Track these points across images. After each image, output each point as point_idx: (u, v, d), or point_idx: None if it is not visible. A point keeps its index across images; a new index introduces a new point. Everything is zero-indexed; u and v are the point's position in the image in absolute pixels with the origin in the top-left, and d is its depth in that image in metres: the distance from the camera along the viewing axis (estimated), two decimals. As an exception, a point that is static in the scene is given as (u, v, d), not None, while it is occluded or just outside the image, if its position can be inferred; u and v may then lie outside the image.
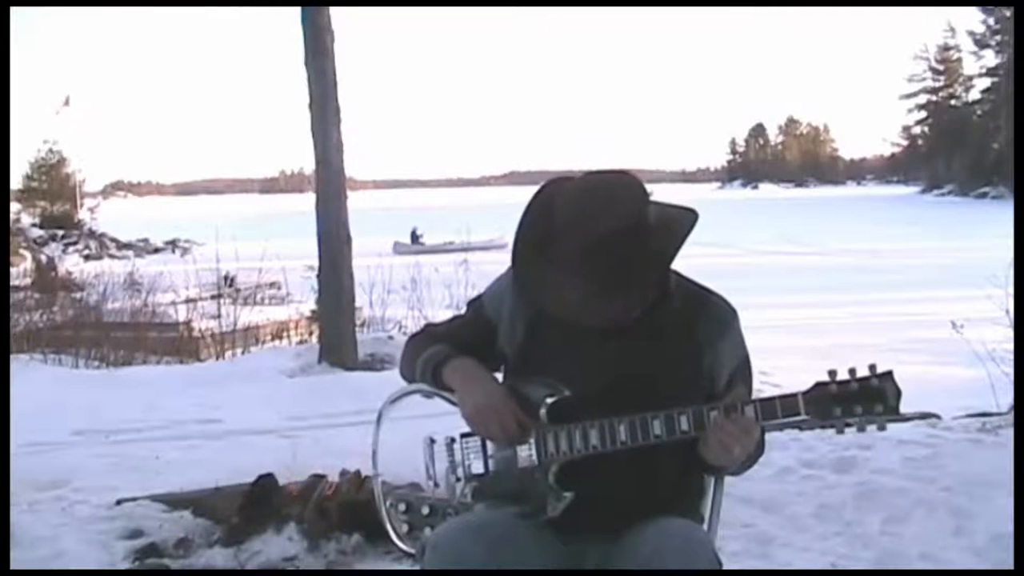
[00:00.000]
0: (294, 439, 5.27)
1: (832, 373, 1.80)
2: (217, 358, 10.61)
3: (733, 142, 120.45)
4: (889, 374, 1.79)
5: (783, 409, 1.81)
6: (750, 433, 1.84)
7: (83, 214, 37.81)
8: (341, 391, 6.75)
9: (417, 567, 1.94)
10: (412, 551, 2.02)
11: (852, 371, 1.80)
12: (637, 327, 1.94)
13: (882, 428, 1.80)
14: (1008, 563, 3.01)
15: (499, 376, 2.05)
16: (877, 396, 1.77)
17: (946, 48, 74.66)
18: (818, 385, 1.81)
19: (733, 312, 2.01)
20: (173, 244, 32.25)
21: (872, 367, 1.79)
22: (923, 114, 76.52)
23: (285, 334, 11.98)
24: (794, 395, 1.81)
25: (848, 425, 1.80)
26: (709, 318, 1.98)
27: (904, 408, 1.81)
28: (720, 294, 2.03)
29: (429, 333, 2.16)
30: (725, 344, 1.98)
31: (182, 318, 12.05)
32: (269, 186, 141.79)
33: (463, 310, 2.17)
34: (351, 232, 8.33)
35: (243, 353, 10.59)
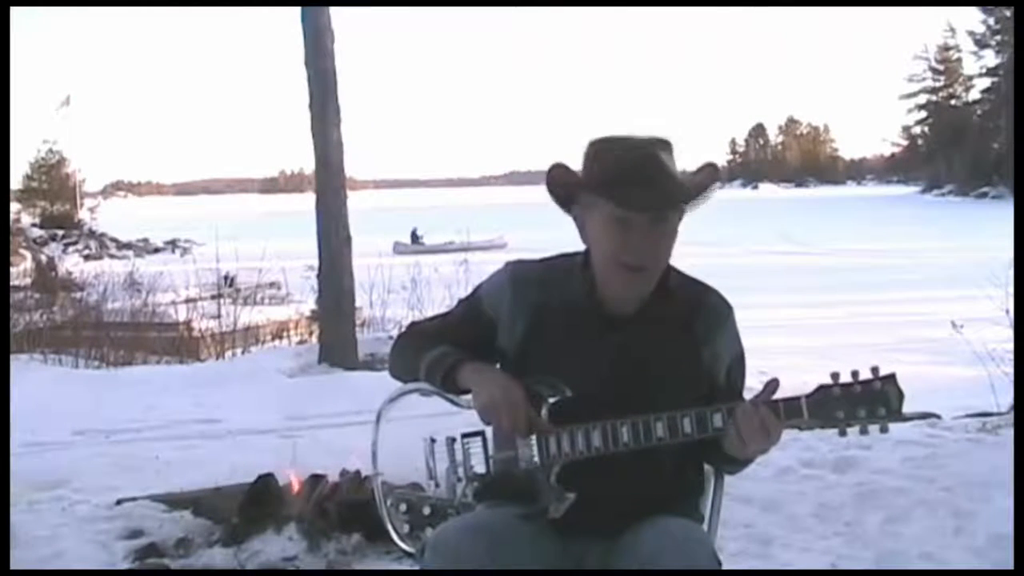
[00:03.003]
0: (294, 439, 5.27)
1: (835, 376, 1.80)
2: (217, 358, 10.61)
3: (733, 142, 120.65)
4: (892, 376, 1.79)
5: (786, 412, 1.81)
6: (767, 430, 1.82)
7: (83, 214, 37.82)
8: (341, 391, 6.75)
9: (417, 567, 1.94)
10: (413, 551, 2.02)
11: (855, 373, 1.80)
12: (637, 323, 1.94)
13: (884, 430, 1.80)
14: (1008, 563, 3.01)
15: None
16: (880, 399, 1.78)
17: (946, 48, 74.65)
18: (821, 388, 1.81)
19: (729, 307, 2.02)
20: (173, 244, 32.25)
21: (875, 369, 1.79)
22: (923, 114, 76.45)
23: (285, 334, 12.00)
24: (797, 398, 1.81)
25: (850, 426, 1.80)
26: (707, 313, 1.98)
27: (904, 408, 1.81)
28: (716, 289, 2.04)
29: (424, 331, 2.12)
30: (722, 338, 1.98)
31: (182, 318, 12.05)
32: (269, 186, 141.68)
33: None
34: (351, 232, 8.34)
35: (243, 353, 10.60)
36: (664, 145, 1.93)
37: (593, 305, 1.95)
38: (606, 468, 1.90)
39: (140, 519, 3.82)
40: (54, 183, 38.59)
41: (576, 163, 1.97)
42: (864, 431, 1.79)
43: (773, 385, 1.84)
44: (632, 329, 1.94)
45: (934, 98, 75.49)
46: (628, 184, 1.86)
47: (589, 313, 1.95)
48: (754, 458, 1.95)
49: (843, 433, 1.81)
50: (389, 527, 2.05)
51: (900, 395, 1.78)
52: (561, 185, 1.97)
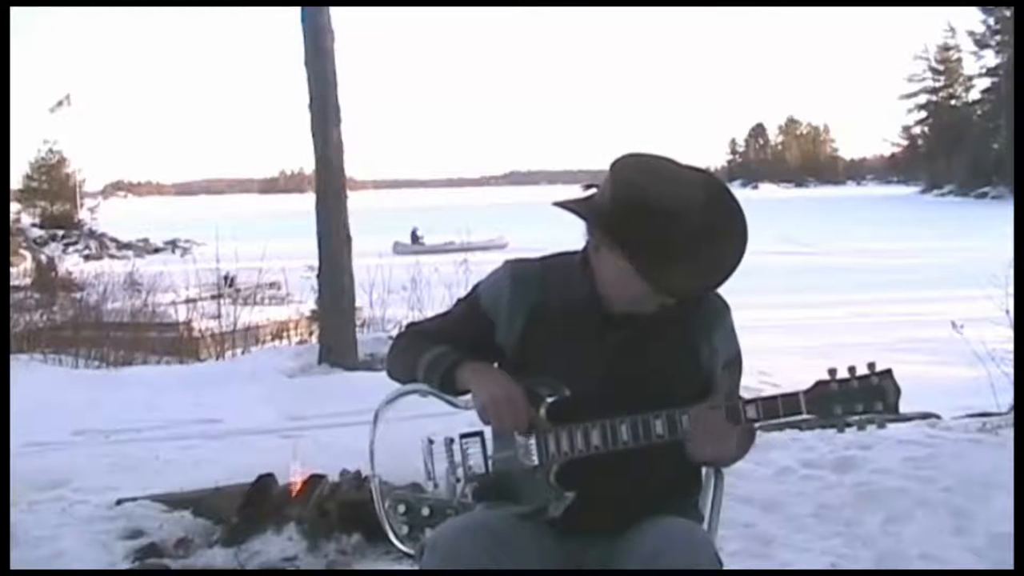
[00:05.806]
0: (294, 439, 5.27)
1: (832, 372, 1.81)
2: (217, 358, 10.62)
3: (733, 142, 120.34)
4: (888, 372, 1.81)
5: (785, 408, 1.83)
6: (722, 436, 1.85)
7: (83, 214, 37.82)
8: (341, 391, 6.75)
9: (417, 567, 1.93)
10: (412, 552, 2.02)
11: (852, 369, 1.81)
12: (635, 321, 1.94)
13: (882, 426, 1.81)
14: (1008, 563, 3.01)
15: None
16: (877, 394, 1.79)
17: (946, 48, 74.67)
18: (819, 384, 1.82)
19: (726, 305, 2.02)
20: (173, 244, 32.22)
21: (871, 365, 1.81)
22: (923, 114, 76.50)
23: (285, 334, 12.01)
24: (795, 394, 1.82)
25: (848, 424, 1.81)
26: (703, 310, 1.98)
27: (904, 408, 1.82)
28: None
29: (422, 331, 2.12)
30: (719, 335, 1.99)
31: (182, 318, 12.08)
32: (269, 186, 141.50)
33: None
34: (351, 232, 8.35)
35: (243, 353, 10.61)
36: (707, 197, 1.86)
37: (592, 304, 1.95)
38: (605, 467, 1.89)
39: (140, 519, 3.82)
40: (54, 183, 38.59)
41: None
42: (863, 427, 1.81)
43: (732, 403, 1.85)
44: (630, 328, 1.94)
45: (934, 98, 75.53)
46: (661, 263, 1.80)
47: (588, 312, 1.95)
48: (723, 461, 1.96)
49: (842, 430, 1.82)
50: (387, 529, 2.05)
51: (897, 390, 1.79)
52: (581, 215, 1.89)
